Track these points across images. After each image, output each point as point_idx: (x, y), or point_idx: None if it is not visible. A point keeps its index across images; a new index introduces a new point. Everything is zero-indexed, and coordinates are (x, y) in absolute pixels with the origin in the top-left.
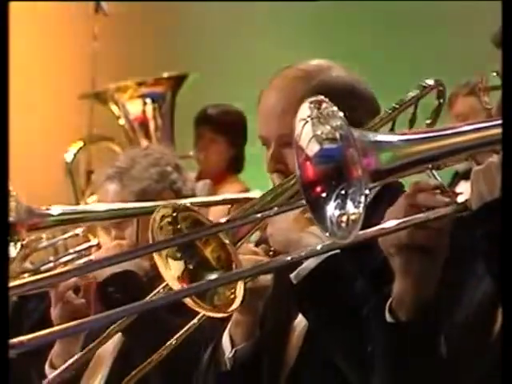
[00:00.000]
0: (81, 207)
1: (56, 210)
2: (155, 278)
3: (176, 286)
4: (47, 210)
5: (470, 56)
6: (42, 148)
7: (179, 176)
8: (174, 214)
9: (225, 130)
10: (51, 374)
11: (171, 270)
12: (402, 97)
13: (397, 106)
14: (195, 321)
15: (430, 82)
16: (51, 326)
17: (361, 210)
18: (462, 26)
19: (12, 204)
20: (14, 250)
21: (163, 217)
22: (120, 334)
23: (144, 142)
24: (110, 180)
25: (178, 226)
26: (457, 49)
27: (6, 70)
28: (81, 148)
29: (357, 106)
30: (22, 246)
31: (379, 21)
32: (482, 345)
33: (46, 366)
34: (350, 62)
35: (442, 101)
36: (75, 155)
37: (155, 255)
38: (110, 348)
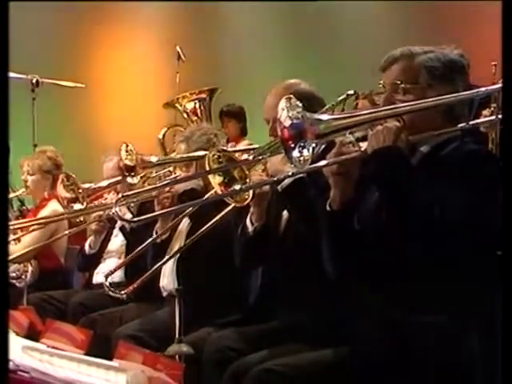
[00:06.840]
0: (164, 157)
1: (154, 158)
2: (205, 192)
3: (218, 189)
4: (150, 159)
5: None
6: (151, 131)
7: (217, 140)
8: (219, 154)
9: (233, 115)
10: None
11: (216, 180)
12: (336, 99)
13: (334, 103)
14: (229, 208)
15: (351, 92)
16: None
17: (310, 154)
18: None
19: (133, 161)
20: (136, 180)
21: (213, 155)
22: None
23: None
24: (181, 143)
25: (220, 160)
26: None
27: (6, 71)
28: (166, 131)
29: (314, 103)
30: (139, 177)
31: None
32: (377, 221)
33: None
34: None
35: (357, 102)
36: (164, 134)
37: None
38: (184, 226)
